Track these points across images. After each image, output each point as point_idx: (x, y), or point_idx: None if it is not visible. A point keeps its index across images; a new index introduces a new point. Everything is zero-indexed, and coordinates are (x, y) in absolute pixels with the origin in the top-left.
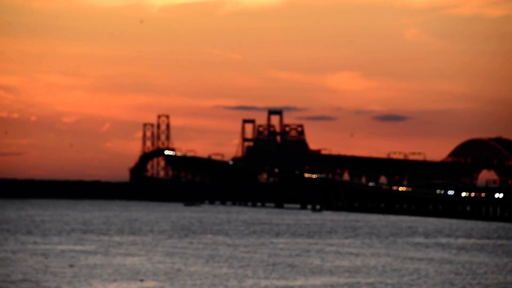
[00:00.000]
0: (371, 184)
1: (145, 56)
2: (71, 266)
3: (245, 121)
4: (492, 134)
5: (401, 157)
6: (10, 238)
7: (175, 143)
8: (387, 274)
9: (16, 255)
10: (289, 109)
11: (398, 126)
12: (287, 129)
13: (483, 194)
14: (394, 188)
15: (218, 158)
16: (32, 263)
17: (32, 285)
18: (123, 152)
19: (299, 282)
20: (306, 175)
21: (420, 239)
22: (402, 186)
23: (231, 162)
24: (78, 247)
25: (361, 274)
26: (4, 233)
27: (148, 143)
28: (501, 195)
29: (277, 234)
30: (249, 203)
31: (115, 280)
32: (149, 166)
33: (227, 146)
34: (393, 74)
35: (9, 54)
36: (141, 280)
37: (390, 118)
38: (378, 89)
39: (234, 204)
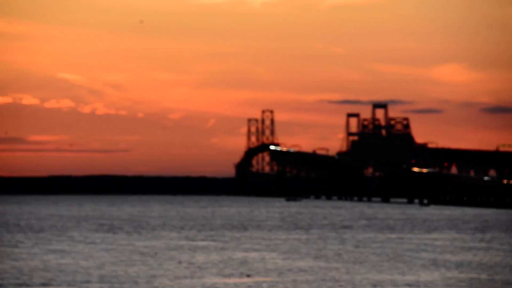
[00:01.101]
0: (486, 178)
1: (249, 52)
2: (179, 263)
3: (349, 115)
4: None
5: (510, 149)
6: (122, 233)
7: (280, 138)
8: (498, 269)
9: (124, 252)
10: (394, 102)
11: (506, 118)
12: (392, 122)
13: None
14: (505, 181)
15: (322, 152)
16: (142, 259)
17: (144, 281)
18: (228, 148)
19: (411, 277)
20: (413, 169)
21: None
22: None
23: (336, 157)
24: (187, 243)
25: (473, 269)
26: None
27: (253, 139)
28: None
29: (386, 229)
30: (355, 198)
31: (222, 275)
32: (254, 162)
33: (332, 141)
34: (501, 65)
35: (116, 52)
36: (248, 276)
37: (498, 110)
38: (486, 81)
39: (339, 199)
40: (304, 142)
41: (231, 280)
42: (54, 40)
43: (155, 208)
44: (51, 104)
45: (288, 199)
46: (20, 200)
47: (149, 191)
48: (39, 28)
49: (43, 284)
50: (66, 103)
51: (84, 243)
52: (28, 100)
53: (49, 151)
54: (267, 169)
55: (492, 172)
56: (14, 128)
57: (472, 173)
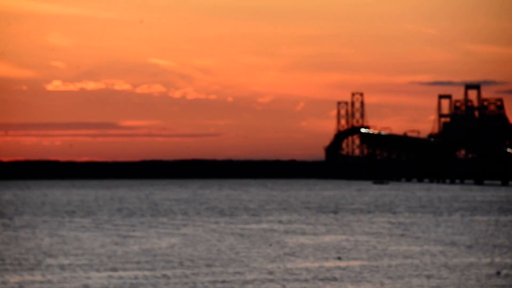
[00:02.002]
0: None
1: (339, 34)
2: (270, 245)
3: (441, 97)
4: None
5: None
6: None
7: (370, 121)
8: None
9: (213, 233)
10: (487, 83)
11: None
12: (485, 103)
13: None
14: None
15: (413, 135)
16: (232, 242)
17: (227, 263)
18: (318, 131)
19: (509, 260)
20: (507, 150)
21: None
22: None
23: (430, 139)
24: (276, 226)
25: None
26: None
27: (343, 121)
28: None
29: (478, 211)
30: (447, 180)
31: (313, 258)
32: (344, 145)
33: (423, 123)
34: None
35: (206, 37)
36: (339, 258)
37: None
38: None
39: (431, 181)
40: (394, 125)
41: (323, 264)
42: (145, 26)
43: (252, 191)
44: (142, 89)
45: (375, 182)
46: (118, 184)
47: (238, 175)
48: (131, 14)
49: (164, 268)
50: (157, 88)
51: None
52: (120, 85)
53: (140, 136)
54: (357, 152)
55: None
56: (106, 113)
57: None
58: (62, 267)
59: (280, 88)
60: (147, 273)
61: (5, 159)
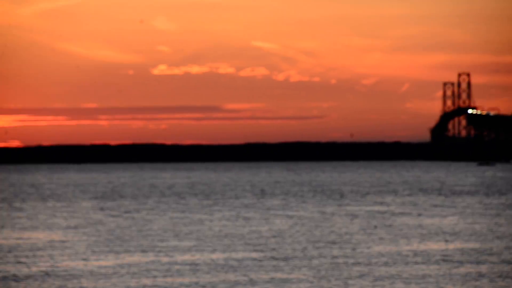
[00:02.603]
0: None
1: (444, 14)
2: (375, 227)
3: None
4: None
5: None
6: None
7: (477, 101)
8: None
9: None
10: None
11: None
12: None
13: None
14: None
15: None
16: (340, 223)
17: (338, 246)
18: (423, 112)
19: None
20: None
21: None
22: None
23: None
24: (381, 208)
25: None
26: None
27: (449, 103)
28: None
29: None
30: None
31: (420, 240)
32: (450, 126)
33: None
34: None
35: (309, 20)
36: (446, 241)
37: None
38: None
39: None
40: (503, 105)
41: (428, 246)
42: (249, 9)
43: (357, 173)
44: (246, 72)
45: (480, 164)
46: (224, 167)
47: (342, 157)
48: None
49: (272, 249)
50: (260, 71)
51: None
52: (224, 69)
53: (244, 118)
54: (463, 133)
55: None
56: (210, 96)
57: None
58: (187, 249)
59: (384, 70)
60: (263, 254)
61: (113, 142)
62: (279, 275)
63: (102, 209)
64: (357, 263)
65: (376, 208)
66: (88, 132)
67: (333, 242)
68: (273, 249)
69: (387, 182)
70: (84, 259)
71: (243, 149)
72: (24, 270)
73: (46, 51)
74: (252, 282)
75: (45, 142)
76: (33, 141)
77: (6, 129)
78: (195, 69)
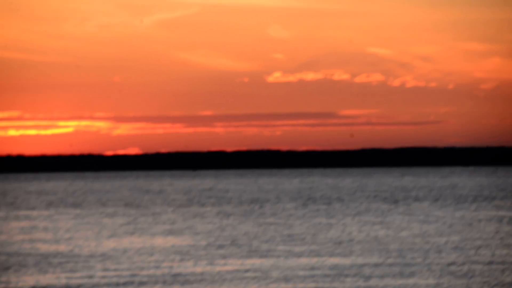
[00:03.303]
0: None
1: None
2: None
3: None
4: None
5: None
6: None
7: None
8: None
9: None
10: None
11: None
12: None
13: None
14: None
15: None
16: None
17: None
18: None
19: None
20: None
21: None
22: None
23: None
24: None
25: None
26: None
27: None
28: None
29: None
30: None
31: None
32: None
33: None
34: None
35: (425, 25)
36: None
37: None
38: None
39: None
40: None
41: None
42: (363, 15)
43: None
44: (361, 78)
45: None
46: (339, 173)
47: (459, 163)
48: (350, 5)
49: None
50: (375, 77)
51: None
52: (339, 75)
53: (360, 124)
54: None
55: None
56: (325, 103)
57: None
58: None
59: (504, 74)
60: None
61: (229, 149)
62: (400, 281)
63: (219, 214)
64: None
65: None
66: (204, 139)
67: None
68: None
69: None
70: (206, 264)
71: (358, 154)
72: (147, 274)
73: (164, 60)
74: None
75: (163, 149)
76: (151, 149)
77: (126, 136)
78: (310, 76)
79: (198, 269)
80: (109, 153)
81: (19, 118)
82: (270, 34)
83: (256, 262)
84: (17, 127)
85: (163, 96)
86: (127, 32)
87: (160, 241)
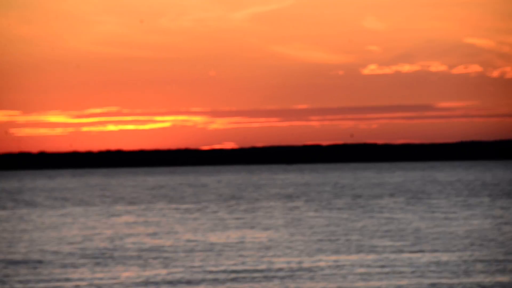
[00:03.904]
0: None
1: None
2: None
3: None
4: None
5: None
6: None
7: None
8: None
9: None
10: None
11: None
12: None
13: None
14: None
15: None
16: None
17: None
18: None
19: None
20: None
21: None
22: None
23: None
24: None
25: None
26: None
27: None
28: None
29: None
30: None
31: None
32: None
33: None
34: None
35: None
36: None
37: None
38: None
39: None
40: None
41: None
42: (460, 5)
43: None
44: (458, 70)
45: None
46: (435, 166)
47: None
48: None
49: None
50: (474, 68)
51: None
52: (436, 67)
53: (457, 117)
54: None
55: None
56: (422, 95)
57: None
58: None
59: None
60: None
61: (324, 143)
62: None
63: (319, 208)
64: None
65: None
66: (299, 132)
67: None
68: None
69: None
70: (302, 258)
71: (456, 147)
72: (244, 268)
73: (258, 54)
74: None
75: (259, 144)
76: (247, 143)
77: (222, 131)
78: (406, 68)
79: (300, 264)
80: (205, 147)
81: (117, 114)
82: (365, 25)
83: (359, 257)
84: (116, 122)
85: (258, 90)
86: (222, 26)
87: (260, 235)
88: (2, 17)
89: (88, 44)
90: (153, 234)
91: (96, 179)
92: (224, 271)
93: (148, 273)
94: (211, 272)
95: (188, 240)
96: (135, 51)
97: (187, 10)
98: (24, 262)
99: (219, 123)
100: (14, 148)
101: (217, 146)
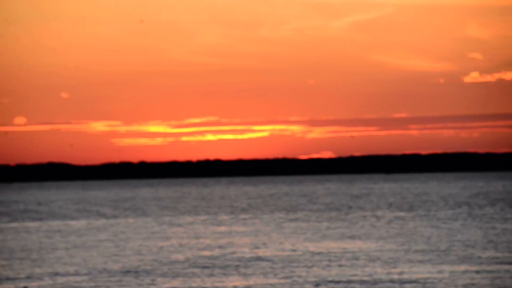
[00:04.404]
0: None
1: None
2: None
3: None
4: None
5: None
6: None
7: None
8: None
9: None
10: None
11: None
12: None
13: None
14: None
15: None
16: None
17: None
18: None
19: None
20: None
21: None
22: None
23: None
24: None
25: None
26: None
27: None
28: None
29: None
30: None
31: None
32: None
33: None
34: None
35: None
36: None
37: None
38: None
39: None
40: None
41: None
42: None
43: None
44: None
45: None
46: None
47: None
48: None
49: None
50: None
51: None
52: None
53: None
54: None
55: None
56: None
57: None
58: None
59: None
60: None
61: (424, 152)
62: None
63: (414, 218)
64: None
65: None
66: (398, 141)
67: None
68: None
69: None
70: (399, 269)
71: None
72: (342, 276)
73: (358, 62)
74: None
75: (356, 153)
76: (345, 152)
77: (320, 140)
78: (509, 76)
79: (402, 275)
80: (303, 157)
81: (216, 123)
82: (467, 33)
83: (454, 268)
84: (215, 132)
85: (357, 98)
86: (322, 35)
87: (362, 245)
88: (108, 28)
89: (188, 54)
90: (256, 244)
91: (195, 188)
92: (325, 281)
93: (252, 281)
94: (310, 282)
95: (291, 250)
96: (234, 61)
97: (287, 20)
98: (135, 272)
99: (317, 132)
100: (116, 158)
101: (315, 156)
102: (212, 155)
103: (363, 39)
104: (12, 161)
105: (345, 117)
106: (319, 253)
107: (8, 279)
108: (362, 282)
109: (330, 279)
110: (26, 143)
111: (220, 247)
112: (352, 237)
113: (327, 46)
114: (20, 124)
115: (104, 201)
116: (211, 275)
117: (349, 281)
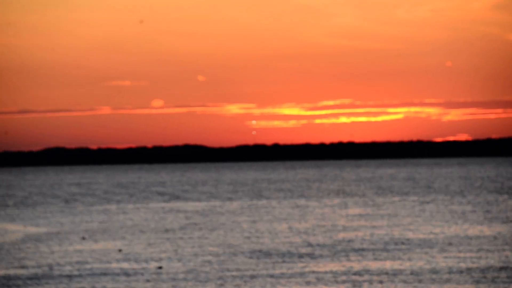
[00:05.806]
0: None
1: None
2: None
3: None
4: None
5: None
6: None
7: None
8: None
9: None
10: None
11: None
12: None
13: None
14: None
15: None
16: None
17: None
18: None
19: None
20: None
21: None
22: None
23: None
24: None
25: None
26: None
27: None
28: None
29: None
30: None
31: None
32: None
33: None
34: None
35: None
36: None
37: None
38: None
39: None
40: None
41: None
42: None
43: None
44: None
45: None
46: None
47: None
48: None
49: None
50: None
51: None
52: None
53: None
54: None
55: None
56: None
57: None
58: None
59: None
60: None
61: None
62: None
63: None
64: None
65: None
66: None
67: None
68: None
69: None
70: None
71: None
72: (479, 263)
73: (497, 44)
74: None
75: (494, 135)
76: (482, 134)
77: (457, 122)
78: None
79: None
80: (438, 139)
81: (350, 106)
82: None
83: None
84: (348, 114)
85: (495, 80)
86: (461, 15)
87: (500, 229)
88: (243, 12)
89: (322, 36)
90: (391, 226)
91: (330, 170)
92: (466, 268)
93: (384, 264)
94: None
95: (429, 232)
96: (369, 43)
97: (425, 0)
98: (269, 254)
99: (453, 115)
100: (250, 140)
101: (450, 138)
102: (345, 138)
103: (504, 19)
104: (149, 143)
105: (483, 99)
106: (456, 236)
107: (145, 260)
108: (500, 269)
109: (468, 265)
110: (162, 126)
111: (355, 229)
112: (491, 220)
113: (467, 27)
114: (157, 107)
115: (249, 182)
116: (346, 256)
117: (488, 267)
